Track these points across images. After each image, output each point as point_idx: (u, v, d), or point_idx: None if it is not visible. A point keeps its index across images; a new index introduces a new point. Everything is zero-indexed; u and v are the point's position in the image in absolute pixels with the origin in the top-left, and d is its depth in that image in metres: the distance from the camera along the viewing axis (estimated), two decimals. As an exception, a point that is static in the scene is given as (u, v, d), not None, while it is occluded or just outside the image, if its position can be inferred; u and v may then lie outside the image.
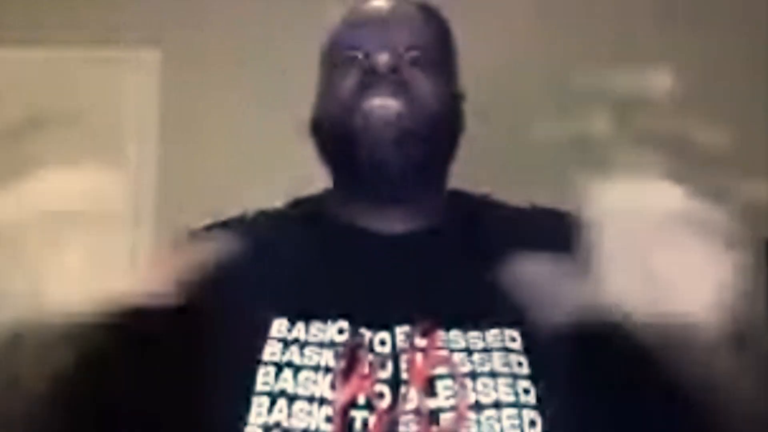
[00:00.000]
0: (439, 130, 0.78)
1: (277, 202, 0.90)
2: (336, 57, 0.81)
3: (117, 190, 0.57)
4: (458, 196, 0.87)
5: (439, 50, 0.82)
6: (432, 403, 0.68)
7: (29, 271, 0.55)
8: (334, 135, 0.79)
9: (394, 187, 0.78)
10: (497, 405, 0.67)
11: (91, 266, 0.55)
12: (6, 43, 2.76)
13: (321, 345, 0.71)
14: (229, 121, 2.65)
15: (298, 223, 0.84)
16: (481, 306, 0.73)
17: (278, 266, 0.78)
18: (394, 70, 0.76)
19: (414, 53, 0.78)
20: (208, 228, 0.86)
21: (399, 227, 0.81)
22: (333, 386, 0.69)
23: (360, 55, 0.78)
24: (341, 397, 0.68)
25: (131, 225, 2.61)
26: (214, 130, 2.68)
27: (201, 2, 2.74)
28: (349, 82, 0.78)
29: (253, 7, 2.64)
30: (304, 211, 0.86)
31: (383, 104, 0.75)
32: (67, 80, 2.78)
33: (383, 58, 0.76)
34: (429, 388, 0.68)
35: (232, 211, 0.94)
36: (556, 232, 0.79)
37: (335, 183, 0.85)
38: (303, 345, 0.71)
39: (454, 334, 0.72)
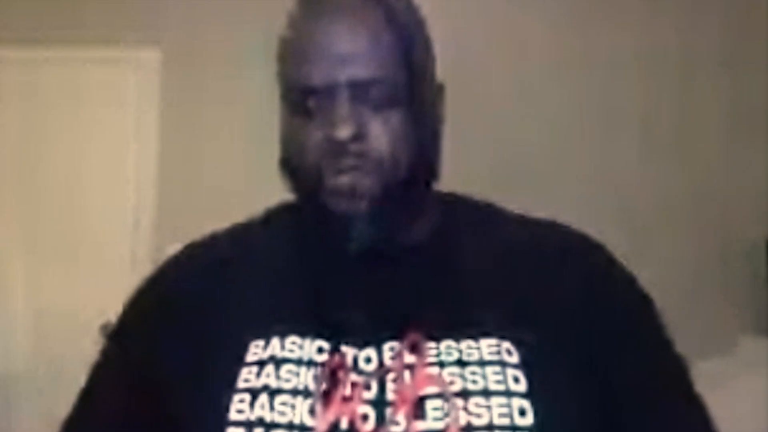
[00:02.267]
0: (411, 177, 0.73)
1: (276, 202, 0.89)
2: (291, 94, 0.73)
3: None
4: (453, 203, 0.83)
5: (406, 72, 0.72)
6: (420, 426, 0.64)
7: None
8: (302, 197, 0.75)
9: (369, 243, 0.73)
10: (490, 428, 0.64)
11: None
12: (7, 43, 2.76)
13: (299, 363, 0.68)
14: (229, 121, 2.65)
15: (274, 237, 0.81)
16: (475, 316, 0.71)
17: (254, 285, 0.76)
18: (355, 137, 0.69)
19: (375, 95, 0.70)
20: (182, 255, 0.83)
21: (383, 243, 0.76)
22: (312, 412, 0.66)
23: (318, 113, 0.71)
24: (322, 424, 0.65)
25: (133, 227, 2.57)
26: (214, 130, 2.67)
27: (201, 2, 2.73)
28: (311, 148, 0.71)
29: (253, 7, 2.64)
30: (281, 225, 0.83)
31: (349, 183, 0.70)
32: (67, 80, 2.78)
33: (343, 131, 0.69)
34: (417, 410, 0.65)
35: (232, 211, 0.94)
36: (553, 245, 0.77)
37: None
38: (279, 363, 0.68)
39: (447, 345, 0.69)
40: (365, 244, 0.72)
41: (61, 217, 2.74)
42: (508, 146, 2.49)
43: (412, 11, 0.77)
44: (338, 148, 0.70)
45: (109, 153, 2.78)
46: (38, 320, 2.66)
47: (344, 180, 0.70)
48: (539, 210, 0.86)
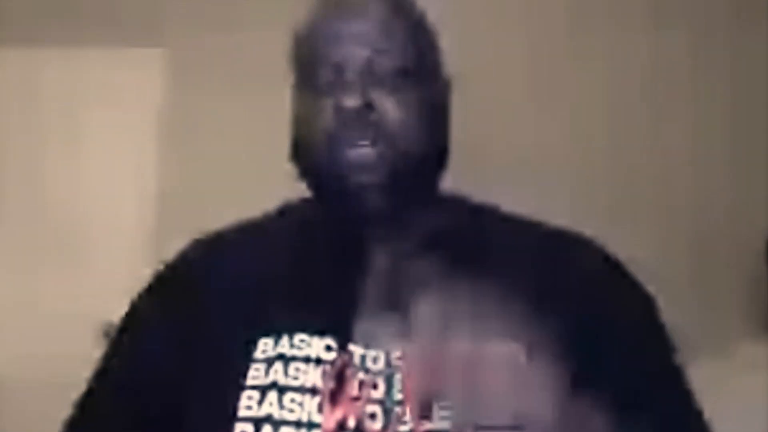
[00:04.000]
0: (421, 155, 0.75)
1: (278, 204, 0.89)
2: (305, 75, 0.78)
3: None
4: (461, 204, 0.84)
5: (413, 53, 0.77)
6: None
7: None
8: (314, 176, 0.77)
9: (378, 221, 0.76)
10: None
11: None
12: (8, 43, 2.76)
13: (307, 361, 0.69)
14: (230, 122, 2.65)
15: (285, 234, 0.82)
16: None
17: (263, 282, 0.76)
18: (368, 105, 0.72)
19: (384, 70, 0.74)
20: (189, 250, 0.84)
21: (392, 241, 0.78)
22: (321, 410, 0.66)
23: (329, 86, 0.74)
24: (330, 421, 0.65)
25: (133, 228, 2.57)
26: (216, 130, 2.67)
27: (203, 2, 2.73)
28: (323, 122, 0.74)
29: (256, 8, 2.64)
30: (292, 221, 0.84)
31: (360, 153, 0.72)
32: (67, 80, 2.78)
33: (351, 100, 0.72)
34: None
35: (234, 211, 0.94)
36: (558, 248, 0.78)
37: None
38: (287, 361, 0.69)
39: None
40: (377, 216, 0.74)
41: (61, 218, 2.74)
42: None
43: (416, 7, 0.81)
44: (348, 118, 0.72)
45: (109, 153, 2.78)
46: (37, 321, 2.66)
47: (357, 152, 0.72)
48: (536, 204, 0.87)
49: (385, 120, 0.73)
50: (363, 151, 0.72)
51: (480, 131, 2.21)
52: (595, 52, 2.55)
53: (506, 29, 2.56)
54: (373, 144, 0.72)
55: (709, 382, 1.54)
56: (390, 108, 0.73)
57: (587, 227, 0.83)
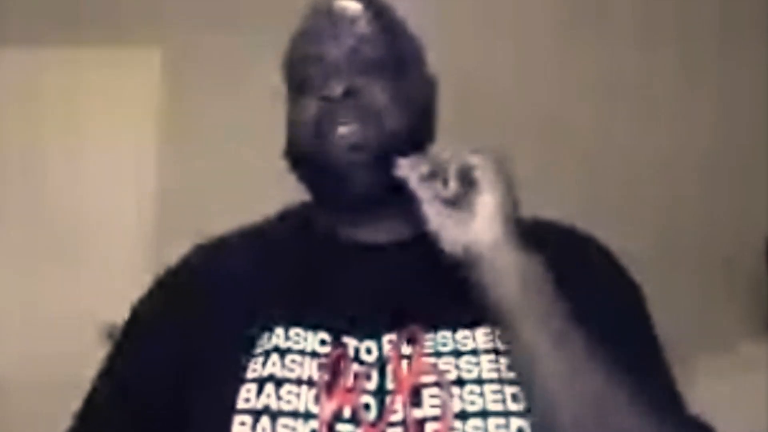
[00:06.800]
0: (407, 140, 0.76)
1: (277, 204, 0.90)
2: (292, 77, 0.81)
3: None
4: None
5: (393, 50, 0.79)
6: (418, 414, 0.66)
7: None
8: (304, 164, 0.78)
9: (370, 206, 0.77)
10: (484, 414, 0.66)
11: None
12: (8, 43, 2.76)
13: (302, 354, 0.70)
14: (229, 123, 2.65)
15: (284, 235, 0.84)
16: (470, 305, 0.72)
17: (262, 283, 0.77)
18: (348, 92, 0.74)
19: (366, 64, 0.77)
20: (191, 255, 0.85)
21: (383, 237, 0.80)
22: (317, 400, 0.68)
23: (313, 80, 0.77)
24: (326, 411, 0.67)
25: (133, 228, 2.57)
26: (215, 130, 2.67)
27: (202, 2, 2.73)
28: (309, 113, 0.76)
29: (255, 8, 2.64)
30: (290, 223, 0.85)
31: (345, 132, 0.74)
32: (67, 80, 2.78)
33: (336, 88, 0.74)
34: (415, 398, 0.67)
35: (234, 213, 0.94)
36: (545, 234, 0.78)
37: (315, 200, 0.83)
38: (283, 353, 0.70)
39: (443, 335, 0.71)
40: (366, 194, 0.75)
41: (61, 218, 2.74)
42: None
43: (396, 14, 0.84)
44: (334, 107, 0.74)
45: (108, 153, 2.78)
46: (37, 322, 2.66)
47: (343, 131, 0.74)
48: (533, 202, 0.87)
49: (372, 102, 0.75)
50: (348, 129, 0.74)
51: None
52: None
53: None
54: (359, 123, 0.74)
55: (710, 381, 1.54)
56: (373, 91, 0.75)
57: (589, 225, 0.84)
